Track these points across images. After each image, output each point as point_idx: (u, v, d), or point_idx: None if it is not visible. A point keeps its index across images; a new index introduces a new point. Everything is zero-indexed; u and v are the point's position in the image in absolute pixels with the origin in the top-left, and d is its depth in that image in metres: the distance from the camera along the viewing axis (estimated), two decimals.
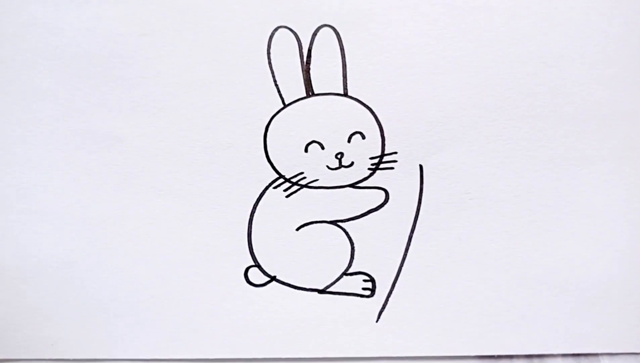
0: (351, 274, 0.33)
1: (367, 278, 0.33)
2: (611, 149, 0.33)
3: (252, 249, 0.33)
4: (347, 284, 0.33)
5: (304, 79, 0.34)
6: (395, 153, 0.34)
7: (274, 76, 0.34)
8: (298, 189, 0.34)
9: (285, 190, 0.34)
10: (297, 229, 0.33)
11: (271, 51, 0.34)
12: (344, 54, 0.34)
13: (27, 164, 0.34)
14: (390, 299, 0.32)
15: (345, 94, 0.34)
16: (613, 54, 0.33)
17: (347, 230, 0.33)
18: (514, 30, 0.33)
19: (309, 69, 0.34)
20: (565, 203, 0.33)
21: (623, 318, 0.31)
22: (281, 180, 0.34)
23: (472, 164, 0.33)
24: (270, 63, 0.34)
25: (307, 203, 0.33)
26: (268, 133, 0.34)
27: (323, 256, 0.33)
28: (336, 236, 0.33)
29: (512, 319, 0.32)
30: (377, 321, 0.32)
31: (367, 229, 0.33)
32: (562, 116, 0.33)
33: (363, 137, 0.34)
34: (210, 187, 0.34)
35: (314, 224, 0.33)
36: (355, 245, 0.33)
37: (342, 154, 0.34)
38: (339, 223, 0.33)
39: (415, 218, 0.33)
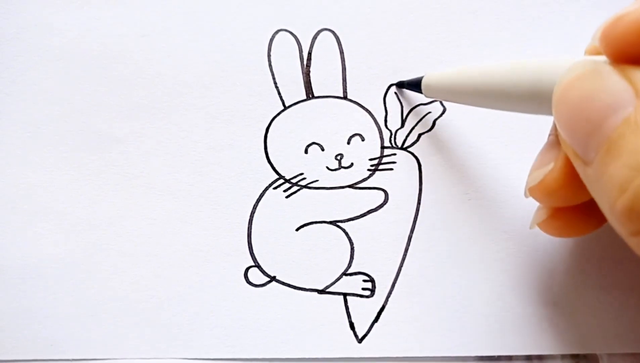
0: (351, 274, 0.33)
1: (366, 278, 0.33)
2: None
3: (252, 249, 0.33)
4: (346, 284, 0.33)
5: (304, 81, 0.34)
6: (394, 153, 0.34)
7: (274, 79, 0.34)
8: (298, 190, 0.34)
9: (285, 191, 0.34)
10: (297, 229, 0.33)
11: (272, 53, 0.34)
12: (344, 58, 0.34)
13: (27, 164, 0.34)
14: (389, 299, 0.32)
15: (345, 97, 0.34)
16: None
17: (347, 230, 0.33)
18: (513, 31, 0.33)
19: (309, 72, 0.34)
20: None
21: (623, 318, 0.31)
22: (281, 181, 0.34)
23: (471, 164, 0.33)
24: (270, 66, 0.34)
25: (306, 204, 0.33)
26: (268, 135, 0.34)
27: (323, 256, 0.33)
28: (336, 236, 0.33)
29: (511, 319, 0.32)
30: (376, 321, 0.32)
31: (366, 229, 0.33)
32: None
33: (362, 139, 0.34)
34: (210, 187, 0.34)
35: (314, 225, 0.33)
36: (354, 245, 0.33)
37: (341, 155, 0.34)
38: (339, 224, 0.33)
39: (414, 218, 0.33)
